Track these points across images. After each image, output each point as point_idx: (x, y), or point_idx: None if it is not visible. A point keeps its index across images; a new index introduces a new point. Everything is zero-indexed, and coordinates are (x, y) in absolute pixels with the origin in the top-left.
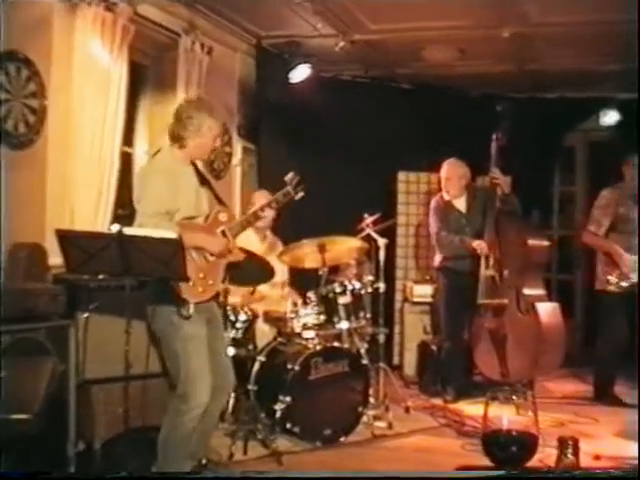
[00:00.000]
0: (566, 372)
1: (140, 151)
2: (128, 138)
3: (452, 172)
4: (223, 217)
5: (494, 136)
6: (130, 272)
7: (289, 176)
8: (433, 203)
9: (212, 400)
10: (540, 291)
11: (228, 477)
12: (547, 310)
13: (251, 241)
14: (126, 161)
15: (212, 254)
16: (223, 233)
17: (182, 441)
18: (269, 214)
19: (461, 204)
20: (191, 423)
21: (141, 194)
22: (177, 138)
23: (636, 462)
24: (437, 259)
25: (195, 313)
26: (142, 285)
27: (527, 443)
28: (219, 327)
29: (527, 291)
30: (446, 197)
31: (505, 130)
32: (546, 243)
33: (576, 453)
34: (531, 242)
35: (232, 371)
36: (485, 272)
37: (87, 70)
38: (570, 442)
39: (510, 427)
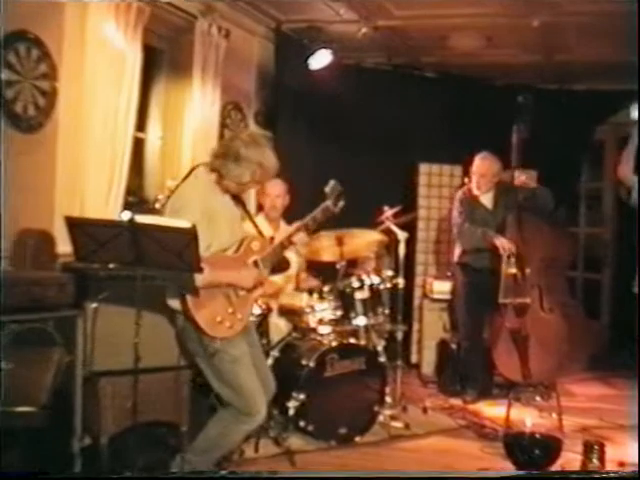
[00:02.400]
0: (591, 375)
1: (153, 137)
2: (141, 123)
3: (487, 169)
4: (256, 246)
5: (515, 128)
6: (141, 262)
7: (330, 186)
8: (460, 195)
9: None
10: (564, 290)
11: (232, 477)
12: (571, 310)
13: (264, 232)
14: (138, 147)
15: (244, 289)
16: (255, 263)
17: (229, 446)
18: (303, 239)
19: (488, 200)
20: (247, 433)
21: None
22: (223, 173)
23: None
24: (457, 253)
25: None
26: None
27: (551, 446)
28: (255, 337)
29: (550, 290)
30: (475, 192)
31: (526, 122)
32: (570, 241)
33: (602, 458)
34: (554, 239)
35: (272, 376)
36: (507, 270)
37: (100, 52)
38: (596, 447)
39: (533, 429)
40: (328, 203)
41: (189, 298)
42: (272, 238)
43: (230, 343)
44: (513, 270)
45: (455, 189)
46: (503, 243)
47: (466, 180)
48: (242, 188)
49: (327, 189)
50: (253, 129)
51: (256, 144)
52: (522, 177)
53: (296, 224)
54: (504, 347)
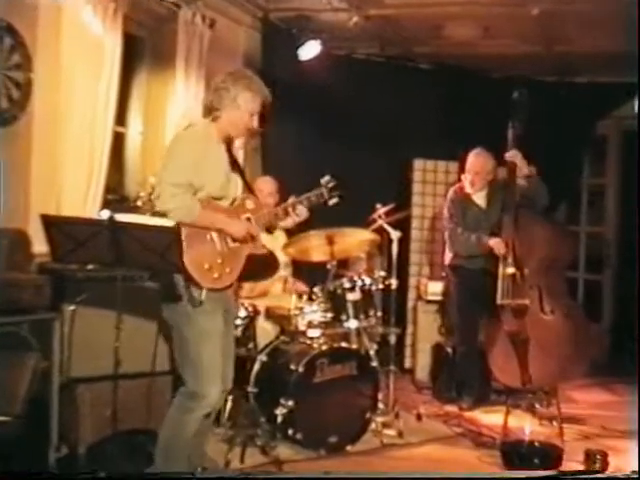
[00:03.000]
0: (593, 381)
1: (134, 131)
2: (121, 117)
3: (481, 166)
4: (250, 205)
5: (510, 124)
6: (122, 262)
7: (325, 179)
8: (451, 194)
9: None
10: (565, 291)
11: (229, 477)
12: (572, 312)
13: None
14: (118, 142)
15: (234, 238)
16: (248, 220)
17: (184, 442)
18: (303, 212)
19: (481, 199)
20: (195, 424)
21: (165, 163)
22: (210, 110)
23: None
24: (448, 256)
25: (213, 304)
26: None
27: (551, 455)
28: (232, 323)
29: (551, 291)
30: (468, 190)
31: (521, 118)
32: (571, 239)
33: (605, 468)
34: (554, 237)
35: (233, 371)
36: (504, 270)
37: (77, 42)
38: (599, 456)
39: (532, 438)
40: (323, 190)
41: (184, 233)
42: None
43: (208, 314)
44: (511, 270)
45: (451, 186)
46: (498, 244)
47: (462, 177)
48: (235, 122)
49: (322, 181)
50: None
51: (243, 74)
52: (517, 157)
53: (292, 198)
54: (501, 351)
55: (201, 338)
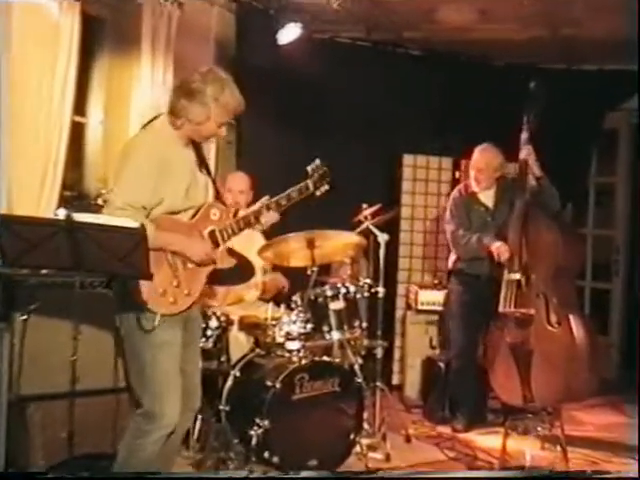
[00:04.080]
0: (600, 400)
1: (95, 121)
2: (80, 106)
3: (487, 162)
4: (215, 214)
5: (525, 119)
6: (80, 267)
7: (314, 165)
8: (455, 193)
9: None
10: (574, 301)
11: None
12: (581, 324)
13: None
14: (77, 133)
15: (192, 262)
16: (211, 234)
17: (142, 468)
18: (273, 217)
19: (488, 198)
20: (153, 447)
21: (118, 176)
22: (177, 111)
23: None
24: (451, 260)
25: (171, 317)
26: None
27: None
28: (195, 332)
29: (558, 300)
30: (474, 188)
31: (538, 112)
32: (582, 245)
33: None
34: (565, 243)
35: (200, 387)
36: (509, 276)
37: (30, 23)
38: None
39: (534, 463)
40: (308, 182)
41: None
42: (237, 211)
43: (164, 324)
44: (516, 276)
45: (444, 184)
46: (499, 249)
47: (457, 174)
48: (200, 131)
49: (309, 168)
50: None
51: (214, 78)
52: (530, 155)
53: (266, 199)
54: (503, 365)
55: (156, 350)
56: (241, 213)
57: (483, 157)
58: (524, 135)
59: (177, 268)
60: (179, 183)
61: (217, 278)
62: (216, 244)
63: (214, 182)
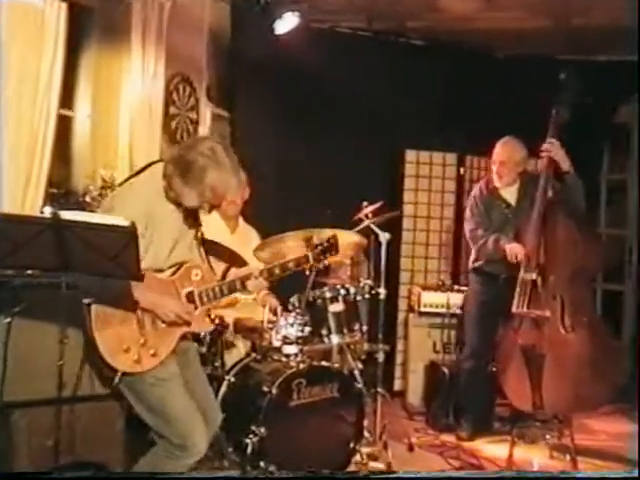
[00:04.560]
0: (612, 408)
1: (82, 115)
2: (67, 99)
3: (509, 156)
4: (197, 275)
5: (554, 111)
6: (68, 267)
7: (322, 240)
8: (475, 190)
9: None
10: (589, 305)
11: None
12: (596, 330)
13: (219, 231)
14: (64, 127)
15: (162, 321)
16: (189, 296)
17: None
18: (262, 284)
19: (511, 194)
20: (182, 469)
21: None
22: (170, 182)
23: None
24: (472, 258)
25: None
26: None
27: None
28: (192, 356)
29: (574, 304)
30: (496, 183)
31: (569, 104)
32: (603, 247)
33: None
34: (586, 244)
35: (214, 399)
36: (524, 275)
37: (15, 12)
38: None
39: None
40: (309, 254)
41: (95, 310)
42: (228, 269)
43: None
44: (531, 276)
45: (448, 181)
46: (514, 249)
47: (462, 171)
48: (187, 200)
49: (316, 239)
50: (205, 108)
51: (215, 162)
52: (556, 148)
53: (256, 266)
54: (515, 368)
55: (156, 389)
56: (230, 273)
57: (505, 150)
58: (551, 128)
59: (145, 326)
60: (165, 240)
61: None
62: (194, 306)
63: (201, 244)
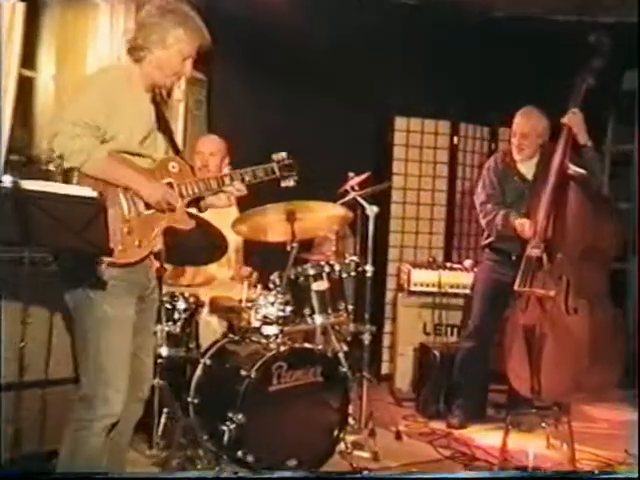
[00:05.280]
0: (616, 394)
1: (46, 76)
2: (29, 58)
3: (531, 126)
4: (174, 167)
5: (578, 79)
6: (30, 241)
7: (278, 156)
8: (490, 162)
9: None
10: (599, 288)
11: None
12: (601, 315)
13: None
14: (25, 89)
15: (146, 202)
16: (169, 185)
17: (86, 465)
18: (240, 190)
19: (528, 168)
20: (97, 439)
21: (67, 102)
22: (134, 49)
23: None
24: (484, 234)
25: (120, 286)
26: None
27: None
28: (149, 312)
29: (581, 286)
30: (516, 156)
31: (597, 69)
32: (620, 224)
33: None
34: (601, 223)
35: (151, 376)
36: (530, 251)
37: None
38: None
39: (537, 464)
40: (274, 166)
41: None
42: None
43: (112, 298)
44: (536, 252)
45: (441, 151)
46: (523, 226)
47: (455, 140)
48: (163, 72)
49: (274, 156)
50: None
51: (176, 6)
52: (578, 118)
53: (230, 170)
54: (517, 349)
55: (102, 326)
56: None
57: (527, 120)
58: (574, 97)
59: (129, 211)
60: (135, 125)
61: (185, 256)
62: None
63: (173, 140)
